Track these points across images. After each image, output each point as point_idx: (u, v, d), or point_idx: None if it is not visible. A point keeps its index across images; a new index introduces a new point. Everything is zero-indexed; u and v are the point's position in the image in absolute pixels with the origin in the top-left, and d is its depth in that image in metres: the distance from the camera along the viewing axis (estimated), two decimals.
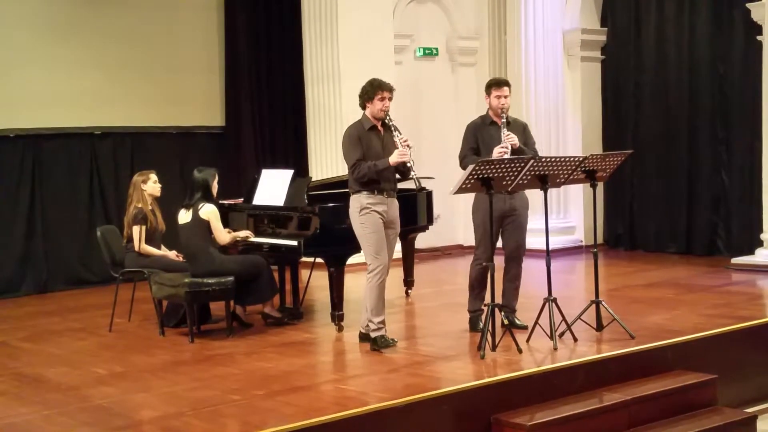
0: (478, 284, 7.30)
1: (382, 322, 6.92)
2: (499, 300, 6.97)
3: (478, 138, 7.20)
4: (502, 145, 6.98)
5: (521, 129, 7.29)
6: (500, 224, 7.16)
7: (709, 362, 6.78)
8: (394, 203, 6.97)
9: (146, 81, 11.57)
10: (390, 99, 6.91)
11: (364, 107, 6.99)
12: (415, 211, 8.44)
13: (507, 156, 6.83)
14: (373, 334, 6.90)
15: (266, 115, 12.68)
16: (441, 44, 13.22)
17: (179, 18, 11.95)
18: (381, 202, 6.84)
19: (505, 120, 7.11)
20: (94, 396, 6.03)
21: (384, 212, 6.85)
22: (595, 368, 6.35)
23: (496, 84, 7.25)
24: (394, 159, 6.76)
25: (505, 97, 7.18)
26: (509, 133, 7.05)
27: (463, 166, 7.11)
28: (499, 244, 7.28)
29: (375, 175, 6.76)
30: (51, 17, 10.95)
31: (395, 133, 6.83)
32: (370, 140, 6.87)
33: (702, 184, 11.62)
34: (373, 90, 6.89)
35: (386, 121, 6.90)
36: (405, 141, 6.77)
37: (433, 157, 12.12)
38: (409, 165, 6.78)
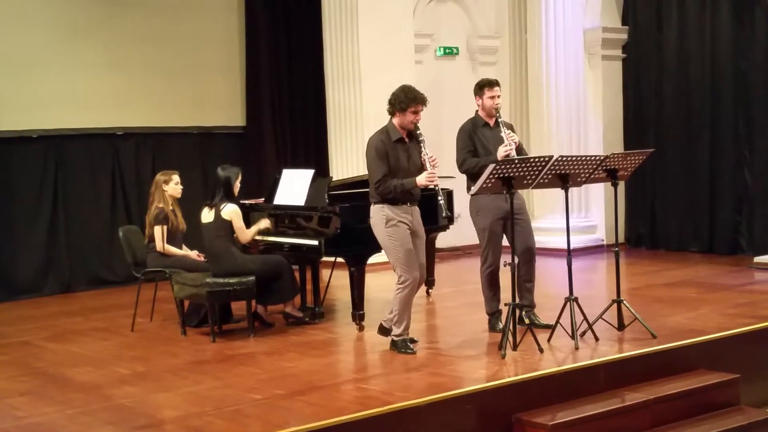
0: (491, 288, 7.28)
1: (406, 330, 6.87)
2: (517, 300, 6.94)
3: (475, 140, 7.16)
4: (506, 145, 6.97)
5: (509, 128, 7.27)
6: (505, 224, 7.11)
7: (732, 362, 6.74)
8: (417, 210, 6.88)
9: (167, 82, 11.63)
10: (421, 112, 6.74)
11: (392, 114, 6.75)
12: (435, 210, 8.42)
13: (513, 155, 6.83)
14: (395, 338, 6.86)
15: (287, 115, 12.71)
16: (461, 43, 13.22)
17: (200, 19, 11.99)
18: (405, 212, 6.74)
19: (502, 120, 7.13)
20: (117, 395, 6.07)
21: (410, 222, 6.76)
22: (617, 368, 6.33)
23: (488, 84, 7.21)
24: (422, 182, 6.64)
25: (498, 96, 7.17)
26: (510, 132, 7.07)
27: (465, 170, 7.13)
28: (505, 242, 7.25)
29: (400, 194, 6.66)
30: (73, 19, 11.02)
31: (423, 150, 6.70)
32: (396, 153, 6.70)
33: (724, 182, 11.55)
34: (408, 101, 6.62)
35: (415, 133, 6.75)
36: (433, 160, 6.65)
37: (453, 157, 12.08)
38: (436, 188, 6.67)
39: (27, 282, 10.70)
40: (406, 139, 6.78)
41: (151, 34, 11.50)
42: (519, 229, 7.07)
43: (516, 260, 6.71)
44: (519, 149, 7.04)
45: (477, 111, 7.29)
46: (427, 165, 6.65)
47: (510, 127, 7.30)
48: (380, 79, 11.39)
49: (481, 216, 7.12)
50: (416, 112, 6.66)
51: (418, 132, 6.74)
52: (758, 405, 6.72)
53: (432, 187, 6.67)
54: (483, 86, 7.21)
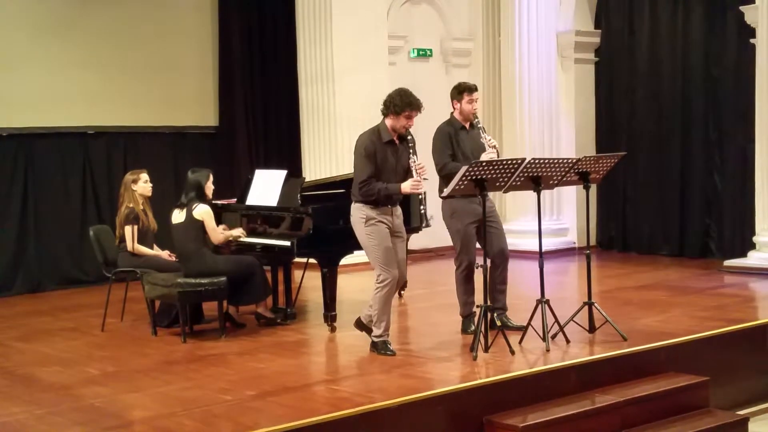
0: (466, 290, 7.27)
1: (386, 331, 6.83)
2: (489, 302, 6.96)
3: (453, 144, 7.18)
4: (489, 151, 7.04)
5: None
6: (479, 227, 7.08)
7: (701, 364, 6.79)
8: (398, 210, 6.86)
9: (140, 81, 11.55)
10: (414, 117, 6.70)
11: (386, 115, 6.71)
12: (409, 212, 8.42)
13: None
14: (375, 339, 6.84)
15: (260, 115, 12.66)
16: (435, 45, 13.23)
17: (173, 17, 11.93)
18: (385, 212, 6.71)
19: (481, 125, 7.18)
20: (86, 396, 6.02)
21: (389, 221, 6.74)
22: (588, 370, 6.35)
23: (468, 89, 7.24)
24: (406, 189, 6.61)
25: (476, 101, 7.22)
26: (490, 137, 7.15)
27: (446, 174, 7.05)
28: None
29: (384, 198, 6.64)
30: (44, 17, 10.92)
31: (412, 157, 6.68)
32: (385, 154, 6.67)
33: (695, 186, 11.65)
34: (403, 106, 6.59)
35: (406, 137, 6.74)
36: (421, 168, 6.62)
37: (426, 159, 12.08)
38: (420, 197, 6.65)
39: None
40: (397, 141, 6.75)
41: (123, 33, 11.41)
42: (493, 232, 7.09)
43: (488, 263, 6.72)
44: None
45: (453, 113, 7.30)
46: (414, 173, 6.62)
47: (483, 129, 7.33)
48: (354, 80, 11.40)
49: (456, 219, 7.13)
50: (409, 117, 6.65)
51: (408, 137, 6.73)
52: (727, 407, 6.78)
53: (417, 194, 6.64)
54: (462, 91, 7.23)
